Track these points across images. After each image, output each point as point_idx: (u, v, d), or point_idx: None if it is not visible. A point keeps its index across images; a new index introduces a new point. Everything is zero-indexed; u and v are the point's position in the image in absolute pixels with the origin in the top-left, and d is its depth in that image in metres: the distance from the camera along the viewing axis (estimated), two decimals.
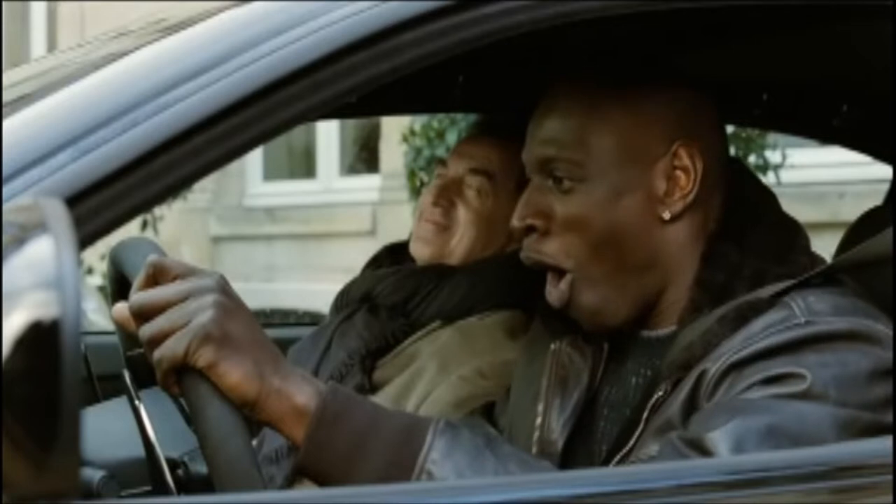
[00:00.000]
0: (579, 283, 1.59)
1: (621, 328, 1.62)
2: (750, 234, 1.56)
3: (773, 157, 5.63)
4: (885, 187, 2.63)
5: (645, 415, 1.49)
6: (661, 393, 1.48)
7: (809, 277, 1.46)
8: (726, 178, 1.62)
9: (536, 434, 1.66)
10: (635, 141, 1.58)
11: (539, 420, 1.67)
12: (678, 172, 1.57)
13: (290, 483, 2.02)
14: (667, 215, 1.57)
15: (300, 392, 1.29)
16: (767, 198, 1.64)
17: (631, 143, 1.58)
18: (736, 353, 1.40)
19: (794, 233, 1.60)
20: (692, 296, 1.54)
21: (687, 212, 1.57)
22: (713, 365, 1.42)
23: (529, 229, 1.63)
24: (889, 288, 1.46)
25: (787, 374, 1.36)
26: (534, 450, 1.65)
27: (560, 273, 1.61)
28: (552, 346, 1.70)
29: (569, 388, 1.66)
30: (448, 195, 2.22)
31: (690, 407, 1.43)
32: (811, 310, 1.41)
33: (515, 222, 1.64)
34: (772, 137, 5.55)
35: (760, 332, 1.41)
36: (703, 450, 1.33)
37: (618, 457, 1.50)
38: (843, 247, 1.95)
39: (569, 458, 1.62)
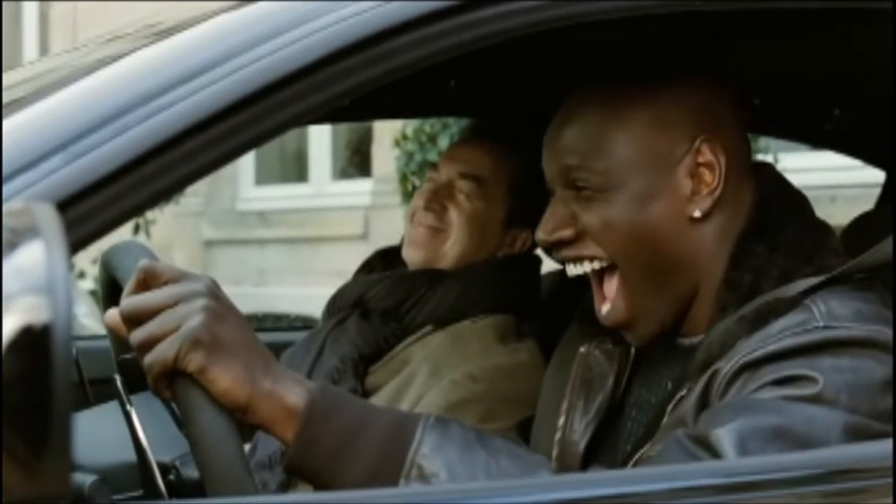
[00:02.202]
0: (623, 285, 1.58)
1: (660, 336, 1.61)
2: (780, 234, 1.55)
3: (765, 160, 5.63)
4: (877, 192, 2.64)
5: (667, 414, 1.50)
6: (683, 392, 1.48)
7: (832, 277, 1.45)
8: (753, 175, 1.61)
9: (559, 435, 1.68)
10: (655, 144, 1.56)
11: (562, 421, 1.68)
12: (702, 169, 1.56)
13: (283, 489, 2.01)
14: (697, 213, 1.55)
15: (291, 393, 1.29)
16: (798, 200, 1.63)
17: (650, 146, 1.56)
18: (750, 354, 1.40)
19: (824, 234, 1.59)
20: (719, 296, 1.53)
21: (717, 208, 1.56)
22: (726, 364, 1.41)
23: (558, 243, 1.61)
24: None
25: (800, 377, 1.36)
26: (555, 451, 1.67)
27: (601, 278, 1.60)
28: (581, 350, 1.72)
29: (593, 391, 1.67)
30: (439, 199, 2.22)
31: (703, 405, 1.43)
32: (832, 314, 1.40)
33: (542, 236, 1.61)
34: (763, 141, 5.56)
35: (777, 333, 1.40)
36: (707, 447, 1.32)
37: (637, 455, 1.51)
38: None
39: (592, 457, 1.63)
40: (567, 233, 1.59)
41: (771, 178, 1.63)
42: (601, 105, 1.59)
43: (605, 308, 1.60)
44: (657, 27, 1.70)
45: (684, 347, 1.59)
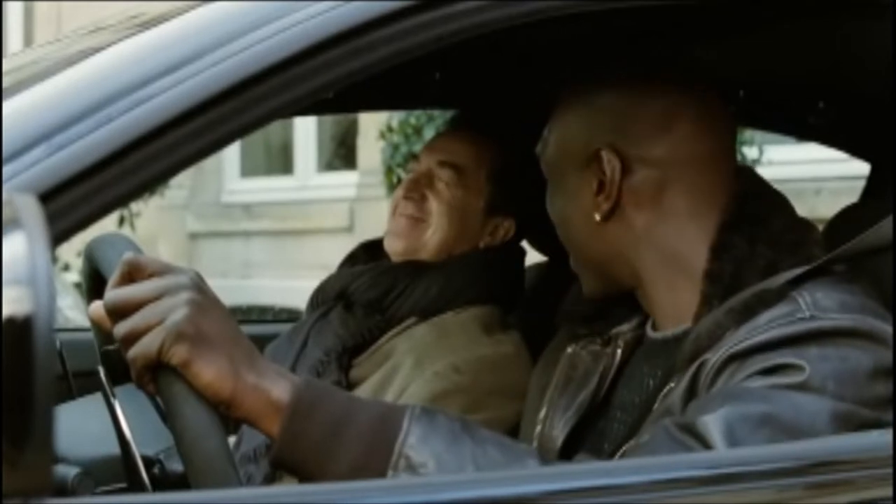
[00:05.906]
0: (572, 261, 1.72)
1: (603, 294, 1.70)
2: (762, 226, 1.56)
3: (750, 153, 5.65)
4: (862, 184, 2.64)
5: (655, 407, 1.50)
6: (671, 385, 1.48)
7: (820, 265, 1.46)
8: (733, 172, 1.62)
9: (538, 430, 1.69)
10: (570, 144, 1.65)
11: (542, 417, 1.69)
12: (606, 175, 1.60)
13: (268, 482, 2.01)
14: (597, 217, 1.61)
15: (275, 386, 1.29)
16: (779, 197, 1.64)
17: (568, 145, 1.65)
18: (737, 344, 1.41)
19: (806, 227, 1.60)
20: (703, 290, 1.54)
21: (626, 212, 1.60)
22: (714, 355, 1.42)
23: None
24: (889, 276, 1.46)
25: (786, 365, 1.37)
26: (534, 445, 1.66)
27: None
28: (568, 350, 1.75)
29: (576, 389, 1.68)
30: (419, 188, 2.23)
31: (690, 396, 1.43)
32: (817, 305, 1.41)
33: None
34: (749, 134, 5.57)
35: (764, 324, 1.41)
36: (695, 434, 1.33)
37: (621, 451, 1.51)
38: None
39: (570, 455, 1.63)
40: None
41: (751, 176, 1.65)
42: (564, 98, 1.68)
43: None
44: (640, 21, 1.70)
45: (666, 340, 1.60)
